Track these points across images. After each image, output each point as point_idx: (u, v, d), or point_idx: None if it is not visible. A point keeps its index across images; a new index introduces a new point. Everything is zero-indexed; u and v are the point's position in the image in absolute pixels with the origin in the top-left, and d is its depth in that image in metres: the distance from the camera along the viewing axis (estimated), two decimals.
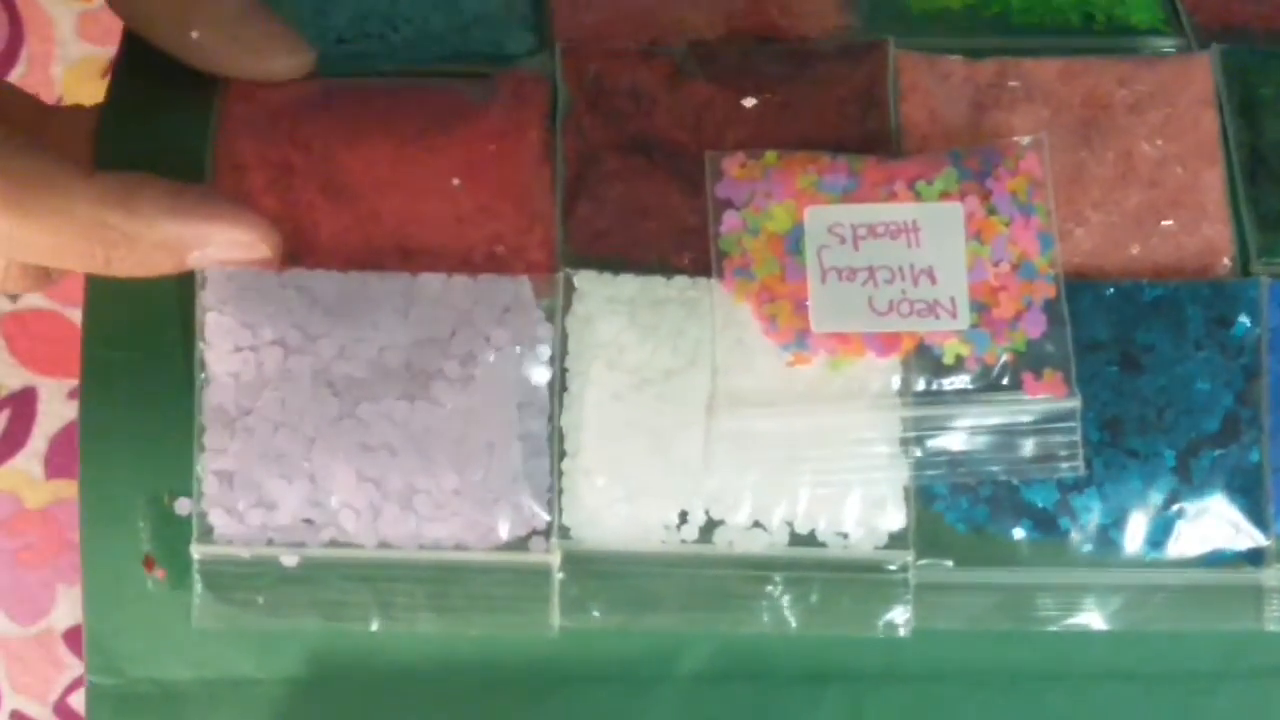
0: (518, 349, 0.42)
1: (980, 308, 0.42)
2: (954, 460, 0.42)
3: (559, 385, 0.43)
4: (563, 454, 0.43)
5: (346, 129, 0.44)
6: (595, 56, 0.45)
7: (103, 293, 0.43)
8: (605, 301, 0.43)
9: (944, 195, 0.43)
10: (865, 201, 0.43)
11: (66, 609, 0.65)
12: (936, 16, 0.48)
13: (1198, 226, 0.45)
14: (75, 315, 0.66)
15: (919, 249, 0.43)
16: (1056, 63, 0.46)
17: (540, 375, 0.42)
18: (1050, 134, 0.45)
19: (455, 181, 0.44)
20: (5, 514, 0.66)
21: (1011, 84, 0.46)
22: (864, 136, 0.45)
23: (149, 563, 0.42)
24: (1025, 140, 0.44)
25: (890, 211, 0.43)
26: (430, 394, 0.42)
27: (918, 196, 0.43)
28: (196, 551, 0.42)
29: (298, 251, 0.43)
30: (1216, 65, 0.46)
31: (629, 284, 0.43)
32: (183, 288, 0.43)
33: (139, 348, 0.43)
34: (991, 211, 0.43)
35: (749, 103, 0.45)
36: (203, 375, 0.42)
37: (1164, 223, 0.45)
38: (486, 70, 0.47)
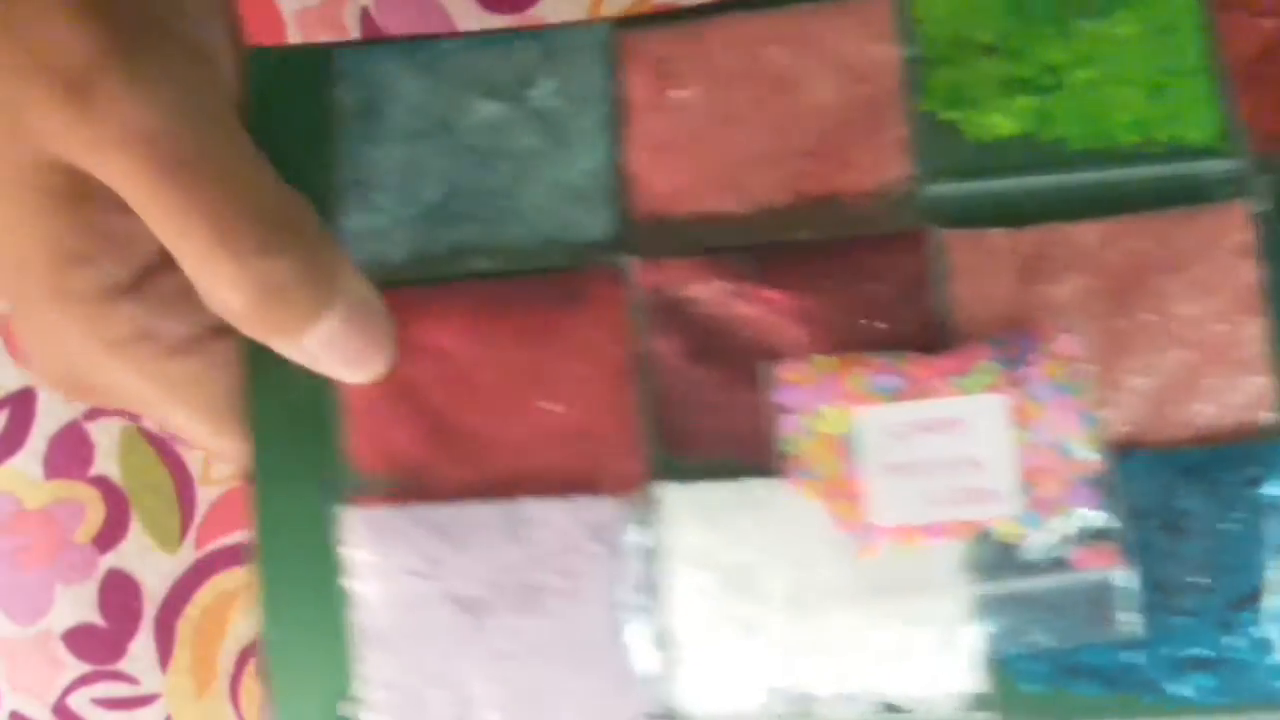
0: (614, 560, 0.48)
1: (1028, 490, 0.47)
2: (1019, 630, 0.47)
3: (655, 586, 0.48)
4: (667, 646, 0.49)
5: (452, 364, 0.50)
6: (663, 269, 0.50)
7: (270, 523, 0.51)
8: (689, 509, 0.49)
9: (986, 388, 0.47)
10: (912, 399, 0.47)
11: (65, 609, 0.66)
12: (993, 146, 0.51)
13: (1239, 381, 0.47)
14: None
15: (966, 440, 0.47)
16: (1097, 227, 0.49)
17: (637, 581, 0.48)
18: (1091, 302, 0.48)
19: (549, 406, 0.49)
20: (4, 514, 0.67)
21: (1054, 253, 0.49)
22: (914, 325, 0.49)
23: None
24: (1062, 321, 0.47)
25: (936, 408, 0.47)
26: (544, 606, 0.49)
27: (961, 391, 0.47)
28: None
29: (420, 484, 0.50)
30: (1265, 196, 0.48)
31: (710, 491, 0.49)
32: (336, 523, 0.50)
33: (307, 575, 0.50)
34: (1031, 399, 0.47)
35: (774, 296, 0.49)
36: (355, 601, 0.50)
37: (1205, 381, 0.47)
38: (569, 264, 0.52)
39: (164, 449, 0.69)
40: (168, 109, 0.45)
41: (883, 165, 0.51)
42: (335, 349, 0.48)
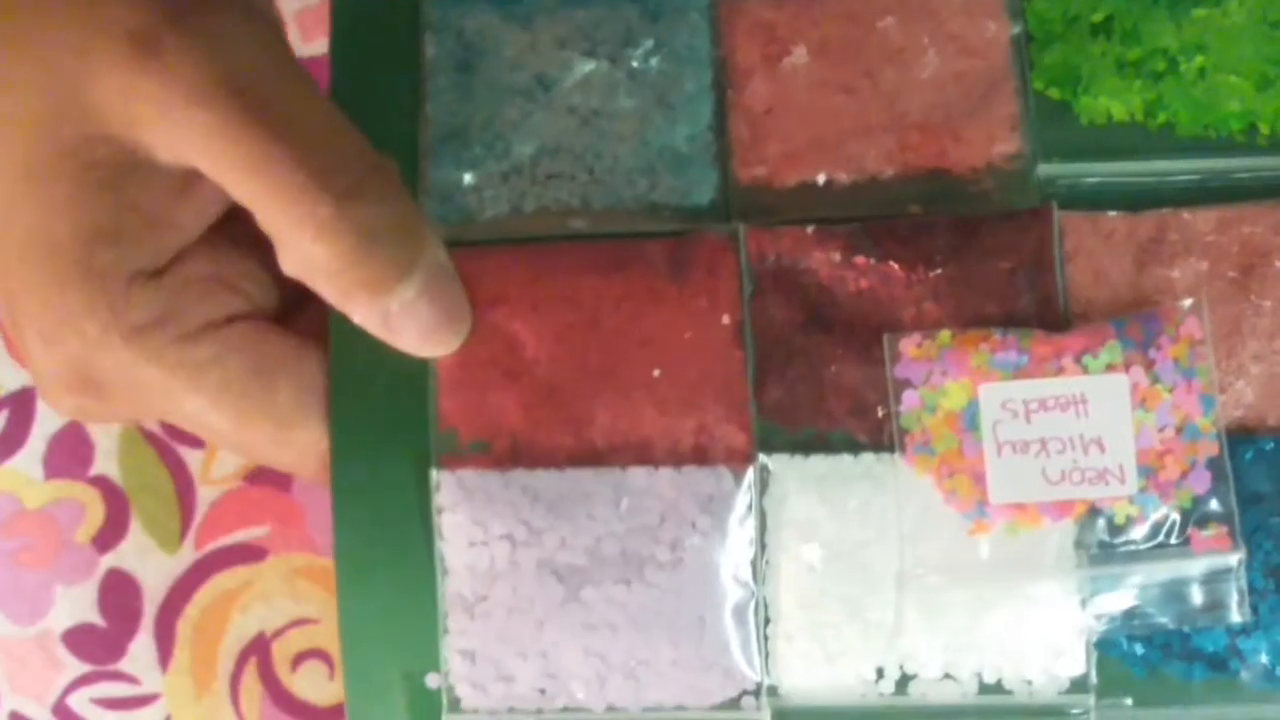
0: (720, 532, 0.47)
1: (1147, 471, 0.46)
2: (1128, 613, 0.46)
3: (760, 559, 0.47)
4: (767, 620, 0.47)
5: (552, 327, 0.48)
6: (776, 238, 0.48)
7: (350, 496, 0.49)
8: (798, 482, 0.47)
9: (1109, 367, 0.46)
10: (1035, 377, 0.46)
11: (65, 610, 0.65)
12: (1105, 129, 0.50)
13: None
14: None
15: (1088, 420, 0.46)
16: (1213, 213, 0.49)
17: (743, 553, 0.47)
18: (1209, 287, 0.48)
19: (656, 373, 0.48)
20: (4, 514, 0.66)
21: (1171, 238, 0.48)
22: (1033, 303, 0.48)
23: None
24: (1185, 304, 0.47)
25: (1059, 386, 0.46)
26: (644, 577, 0.47)
27: (1084, 370, 0.46)
28: None
29: (518, 450, 0.48)
30: None
31: (819, 464, 0.47)
32: (421, 490, 0.48)
33: (387, 544, 0.48)
34: (1155, 380, 0.46)
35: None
36: (442, 567, 0.48)
37: None
38: (674, 228, 0.50)
39: (164, 449, 0.68)
40: (241, 58, 0.43)
41: (993, 141, 0.50)
42: (417, 313, 0.46)
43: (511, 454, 0.48)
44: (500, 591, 0.47)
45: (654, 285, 0.49)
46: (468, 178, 0.51)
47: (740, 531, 0.47)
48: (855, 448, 0.47)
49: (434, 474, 0.47)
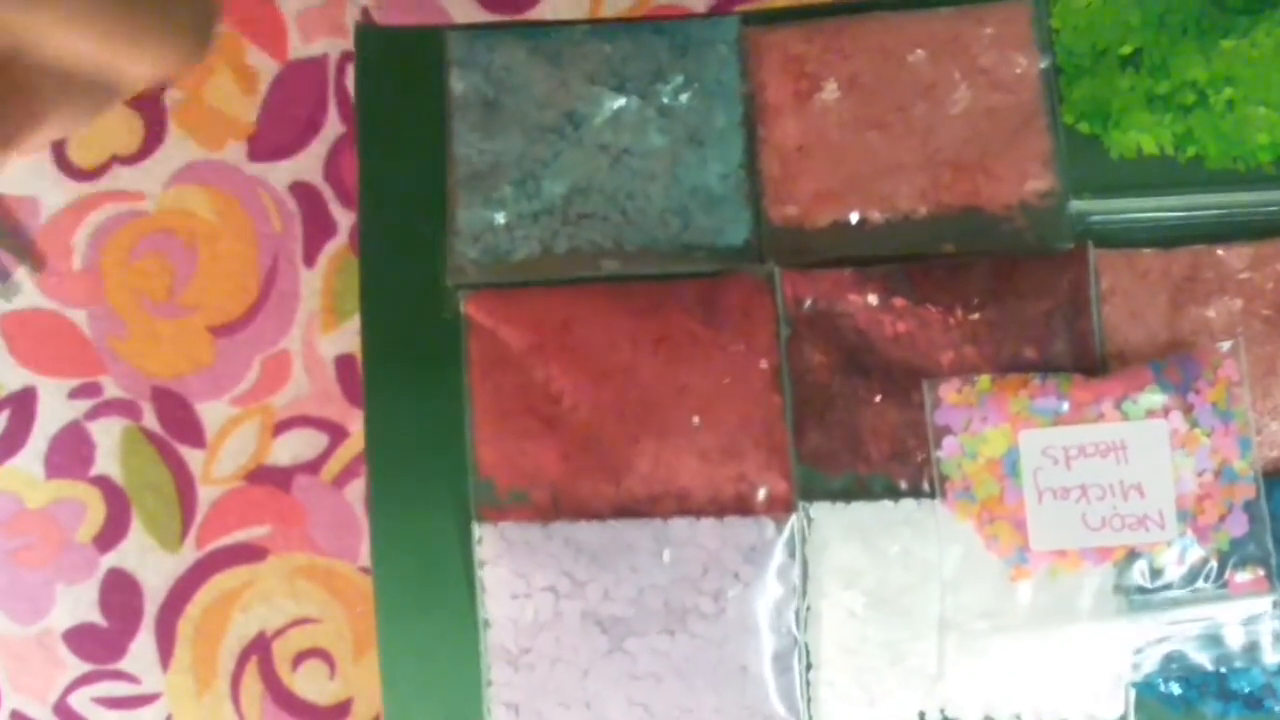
0: (762, 581, 0.47)
1: (1186, 515, 0.46)
2: (1167, 656, 0.47)
3: (802, 606, 0.47)
4: (809, 665, 0.47)
5: (589, 373, 0.48)
6: (813, 281, 0.48)
7: (389, 547, 0.49)
8: (839, 530, 0.47)
9: (1149, 413, 0.46)
10: (1075, 423, 0.47)
11: (66, 609, 0.67)
12: (1135, 163, 0.50)
13: None
14: (75, 315, 0.69)
15: (1128, 465, 0.46)
16: (1247, 249, 0.49)
17: (784, 601, 0.47)
18: (1244, 326, 0.48)
19: (695, 420, 0.48)
20: (5, 514, 0.67)
21: (1206, 275, 0.48)
22: (1070, 344, 0.48)
23: None
24: (1224, 346, 0.47)
25: (1100, 432, 0.46)
26: (688, 627, 0.47)
27: (1124, 416, 0.46)
28: None
29: (558, 499, 0.48)
30: None
31: (860, 511, 0.47)
32: (461, 541, 0.47)
33: (427, 595, 0.48)
34: (1194, 424, 0.46)
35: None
36: (485, 619, 0.47)
37: None
38: (708, 268, 0.50)
39: (165, 449, 0.68)
40: None
41: (1026, 178, 0.50)
42: None
43: (551, 503, 0.47)
44: (544, 643, 0.47)
45: (689, 329, 0.48)
46: (498, 218, 0.50)
47: (782, 580, 0.47)
48: (895, 493, 0.47)
49: (476, 528, 0.47)
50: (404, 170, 0.49)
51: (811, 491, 0.48)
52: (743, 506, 0.48)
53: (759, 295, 0.49)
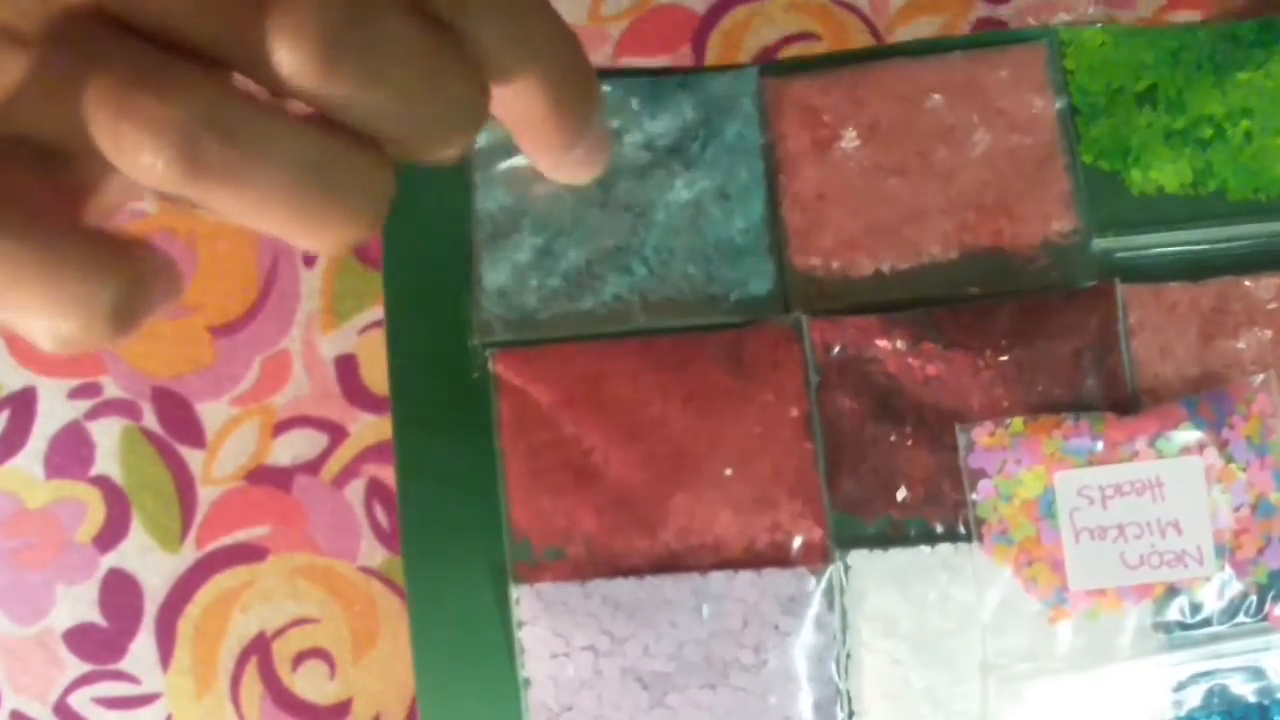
0: (801, 631, 0.47)
1: (1224, 550, 0.46)
2: (1209, 691, 0.47)
3: (842, 652, 0.47)
4: (851, 713, 0.47)
5: (620, 428, 0.48)
6: (840, 328, 0.48)
7: (426, 607, 0.49)
8: (877, 577, 0.47)
9: (1184, 450, 0.46)
10: (1110, 463, 0.47)
11: (66, 609, 0.65)
12: (1156, 198, 0.50)
13: None
14: None
15: (1164, 503, 0.46)
16: (1274, 280, 0.49)
17: (825, 650, 0.47)
18: (1273, 356, 0.48)
19: (728, 472, 0.48)
20: (5, 514, 0.66)
21: (1234, 307, 0.48)
22: (1100, 382, 0.48)
23: None
24: (1256, 380, 0.47)
25: (1135, 471, 0.46)
26: (729, 681, 0.47)
27: (1159, 454, 0.46)
28: None
29: (593, 555, 0.48)
30: None
31: (897, 557, 0.47)
32: (498, 600, 0.47)
33: (466, 655, 0.48)
34: (1229, 459, 0.46)
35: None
36: (525, 678, 0.47)
37: None
38: (734, 319, 0.50)
39: (165, 449, 0.68)
40: None
41: (1049, 218, 0.50)
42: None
43: (588, 559, 0.47)
44: (585, 701, 0.47)
45: (719, 381, 0.48)
46: (524, 275, 0.50)
47: (821, 629, 0.47)
48: (931, 538, 0.47)
49: (512, 589, 0.47)
50: (428, 229, 0.49)
51: (847, 539, 0.48)
52: (779, 556, 0.47)
53: (786, 345, 0.49)
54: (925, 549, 0.48)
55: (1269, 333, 0.48)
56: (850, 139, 0.51)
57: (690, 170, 0.51)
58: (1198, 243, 0.50)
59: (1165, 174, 0.50)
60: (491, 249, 0.50)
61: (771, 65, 0.52)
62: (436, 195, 0.51)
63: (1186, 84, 0.51)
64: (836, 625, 0.47)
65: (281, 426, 0.66)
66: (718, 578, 0.47)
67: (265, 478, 0.65)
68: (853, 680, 0.47)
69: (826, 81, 0.51)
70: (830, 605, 0.47)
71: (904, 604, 0.47)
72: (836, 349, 0.49)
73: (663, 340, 0.49)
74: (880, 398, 0.48)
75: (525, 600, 0.47)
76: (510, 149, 0.51)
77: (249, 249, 0.71)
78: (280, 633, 0.63)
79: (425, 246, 0.51)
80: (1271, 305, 0.49)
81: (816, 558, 0.47)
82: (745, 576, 0.47)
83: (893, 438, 0.48)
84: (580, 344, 0.49)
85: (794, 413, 0.48)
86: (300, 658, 0.63)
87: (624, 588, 0.47)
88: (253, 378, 0.67)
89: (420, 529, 0.48)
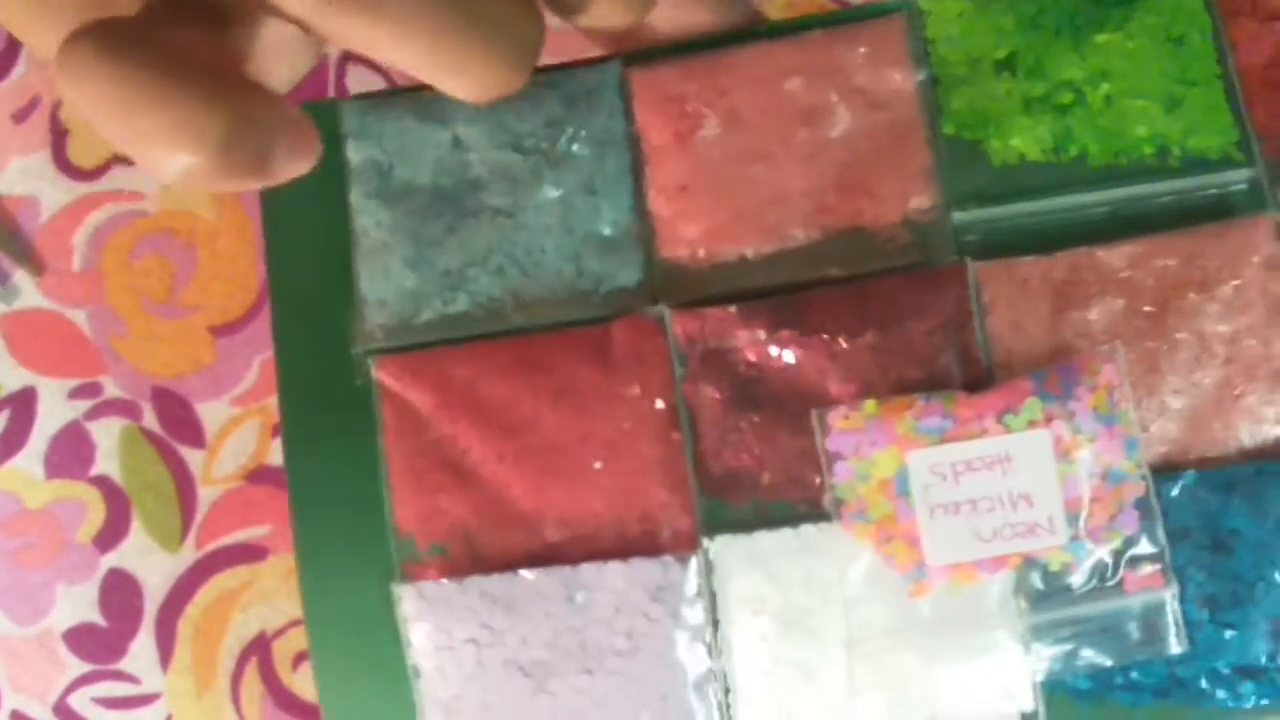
0: (673, 616, 0.49)
1: (1076, 519, 0.48)
2: (1070, 654, 0.48)
3: (714, 633, 0.49)
4: (727, 689, 0.50)
5: (494, 428, 0.50)
6: (701, 320, 0.50)
7: (321, 610, 0.51)
8: (742, 561, 0.49)
9: (1031, 424, 0.48)
10: (960, 440, 0.48)
11: (66, 609, 0.66)
12: (1018, 168, 0.51)
13: (1277, 396, 0.48)
14: (75, 315, 0.70)
15: (1014, 476, 0.48)
16: (1126, 248, 0.49)
17: (697, 632, 0.49)
18: (1126, 325, 0.49)
19: (597, 465, 0.50)
20: (5, 514, 0.67)
21: (1086, 278, 0.49)
22: (955, 360, 0.49)
23: None
24: (1102, 349, 0.48)
25: (984, 447, 0.48)
26: (605, 666, 0.49)
27: (1007, 429, 0.48)
28: None
29: (474, 550, 0.50)
30: None
31: (761, 540, 0.49)
32: (389, 599, 0.50)
33: (362, 652, 0.51)
34: (1076, 431, 0.48)
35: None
36: (415, 671, 0.50)
37: (1243, 398, 0.48)
38: (601, 314, 0.52)
39: (165, 449, 0.69)
40: None
41: (908, 194, 0.51)
42: None
43: (468, 555, 0.50)
44: (472, 690, 0.49)
45: (587, 376, 0.50)
46: (401, 283, 0.52)
47: (692, 612, 0.49)
48: (795, 519, 0.49)
49: (395, 588, 0.49)
50: (310, 244, 0.51)
51: (715, 523, 0.50)
52: (651, 545, 0.50)
53: (651, 338, 0.50)
54: (788, 530, 0.49)
55: (1120, 301, 0.49)
56: (712, 127, 0.52)
57: (557, 168, 0.52)
58: (1059, 210, 0.51)
59: (1026, 141, 0.51)
60: (369, 262, 0.52)
61: (635, 55, 0.53)
62: (317, 214, 0.53)
63: (1045, 49, 0.51)
64: (705, 608, 0.49)
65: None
66: (588, 569, 0.49)
67: (265, 478, 0.67)
68: (725, 659, 0.49)
69: (687, 69, 0.52)
70: (699, 590, 0.49)
71: (769, 584, 0.49)
72: (699, 340, 0.50)
73: (533, 339, 0.51)
74: (742, 386, 0.50)
75: (407, 598, 0.50)
76: (383, 168, 0.53)
77: (249, 249, 0.72)
78: (280, 633, 0.65)
79: (308, 263, 0.52)
80: (1124, 274, 0.49)
81: (686, 545, 0.49)
82: (614, 567, 0.49)
83: (757, 425, 0.50)
84: (456, 347, 0.51)
85: (660, 405, 0.50)
86: (300, 658, 0.65)
87: (498, 583, 0.50)
88: (253, 378, 0.69)
89: (313, 536, 0.51)
